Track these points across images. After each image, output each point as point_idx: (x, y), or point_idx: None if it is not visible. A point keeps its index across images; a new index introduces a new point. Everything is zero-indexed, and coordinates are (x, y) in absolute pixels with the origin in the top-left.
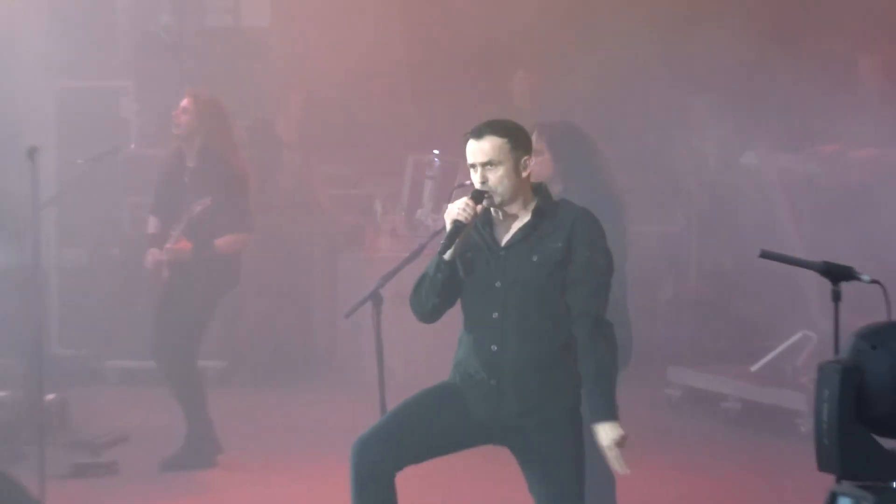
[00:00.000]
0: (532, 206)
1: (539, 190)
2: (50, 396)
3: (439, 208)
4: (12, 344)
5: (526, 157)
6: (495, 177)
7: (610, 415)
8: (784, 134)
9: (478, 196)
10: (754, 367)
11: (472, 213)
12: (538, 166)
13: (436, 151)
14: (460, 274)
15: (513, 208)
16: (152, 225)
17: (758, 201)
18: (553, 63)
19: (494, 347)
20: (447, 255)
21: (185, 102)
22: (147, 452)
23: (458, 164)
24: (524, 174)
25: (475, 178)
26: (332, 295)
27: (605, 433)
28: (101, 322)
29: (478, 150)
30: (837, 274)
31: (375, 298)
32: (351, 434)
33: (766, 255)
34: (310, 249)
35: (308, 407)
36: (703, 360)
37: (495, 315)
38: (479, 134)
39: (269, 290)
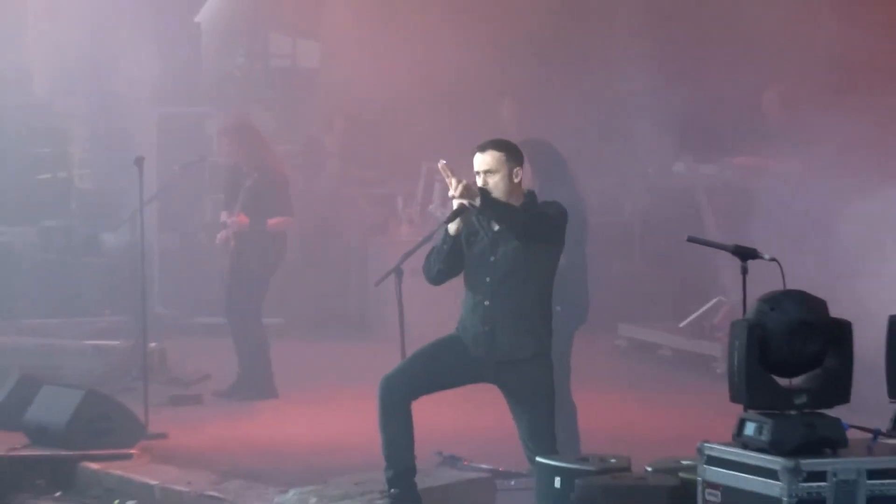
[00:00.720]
0: (521, 203)
1: (529, 194)
2: (152, 345)
3: (445, 204)
4: (125, 305)
5: (517, 168)
6: (493, 181)
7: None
8: (706, 149)
9: (480, 190)
10: (682, 324)
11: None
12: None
13: (443, 160)
14: (464, 250)
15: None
16: (223, 216)
17: (685, 200)
18: (533, 93)
19: (487, 303)
20: (451, 230)
21: (221, 132)
22: (223, 387)
23: (460, 169)
24: (516, 180)
25: (479, 181)
26: (364, 269)
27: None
28: (190, 288)
29: (481, 160)
30: (745, 254)
31: (397, 272)
32: (377, 374)
33: (692, 239)
34: (347, 234)
35: (345, 354)
36: (644, 319)
37: (488, 279)
38: (483, 148)
39: (317, 265)
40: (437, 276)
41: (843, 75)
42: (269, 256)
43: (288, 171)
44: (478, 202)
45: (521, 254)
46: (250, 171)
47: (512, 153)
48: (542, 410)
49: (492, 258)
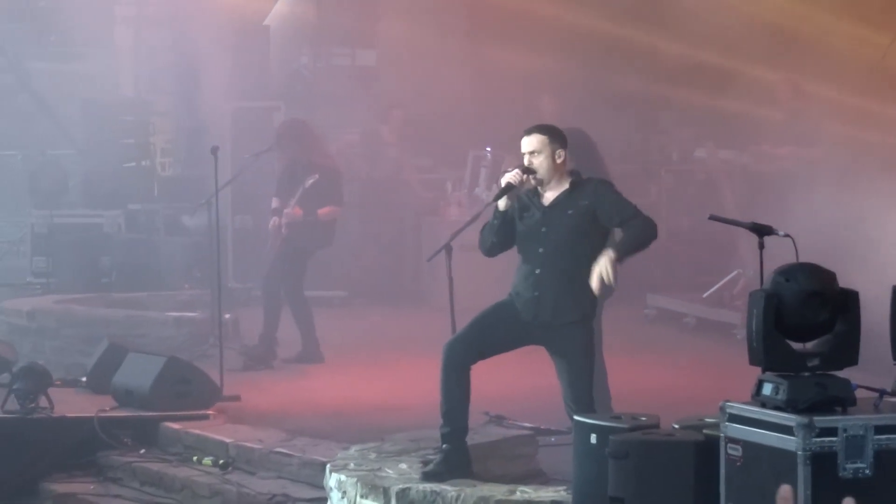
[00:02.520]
0: (567, 181)
1: (573, 173)
2: (227, 315)
3: (490, 187)
4: (202, 280)
5: (560, 150)
6: (537, 161)
7: (614, 249)
8: (726, 136)
9: (526, 169)
10: (705, 294)
11: (518, 178)
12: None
13: (488, 148)
14: (516, 224)
15: (552, 184)
16: (274, 202)
17: (707, 182)
18: (569, 89)
19: (538, 271)
20: (501, 206)
21: (279, 131)
22: (288, 353)
23: (503, 157)
24: (558, 161)
25: (525, 161)
26: (418, 246)
27: (603, 254)
28: (261, 264)
29: (527, 142)
30: (762, 230)
31: (447, 248)
32: (430, 341)
33: (713, 217)
34: (403, 215)
35: (401, 323)
36: (670, 289)
37: (540, 250)
38: (529, 132)
39: (376, 242)
40: (491, 248)
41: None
42: (315, 242)
43: (341, 163)
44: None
45: (571, 226)
46: (310, 170)
47: (554, 136)
48: (581, 372)
49: (543, 229)
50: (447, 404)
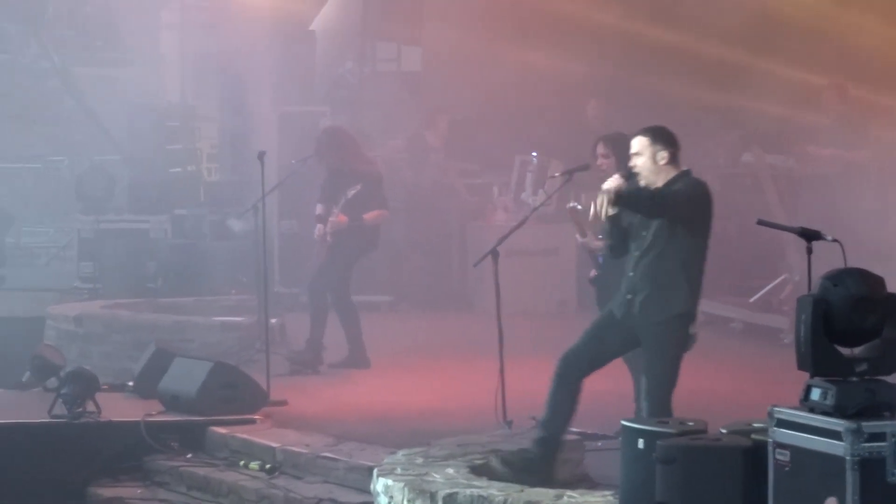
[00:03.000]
0: (667, 180)
1: (683, 173)
2: (273, 320)
3: (536, 192)
4: (248, 284)
5: (662, 151)
6: (640, 162)
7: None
8: (772, 140)
9: (627, 175)
10: (752, 299)
11: (615, 184)
12: (607, 165)
13: (534, 153)
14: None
15: (656, 184)
16: (319, 209)
17: (753, 186)
18: (615, 94)
19: (631, 273)
20: (609, 211)
21: (318, 136)
22: (335, 357)
23: (549, 161)
24: (661, 162)
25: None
26: (464, 251)
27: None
28: (306, 269)
29: (632, 144)
30: (810, 235)
31: (494, 254)
32: (475, 345)
33: (762, 222)
34: (449, 220)
35: (447, 327)
36: (717, 294)
37: (637, 253)
38: (635, 135)
39: (422, 247)
40: (611, 250)
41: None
42: (361, 246)
43: (383, 167)
44: (614, 209)
45: (661, 230)
46: (352, 179)
47: (656, 137)
48: (656, 374)
49: (643, 233)
50: (551, 412)
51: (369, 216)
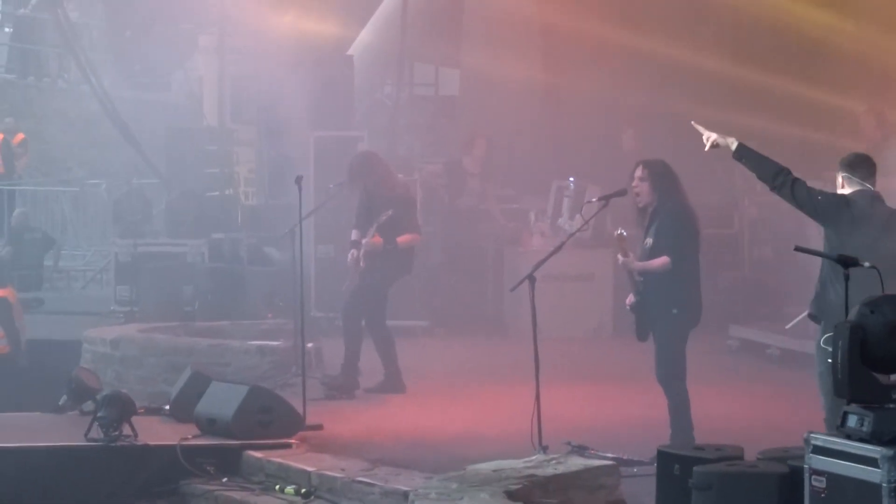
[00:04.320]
0: None
1: None
2: (309, 345)
3: (573, 217)
4: (285, 308)
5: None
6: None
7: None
8: (808, 165)
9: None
10: (788, 326)
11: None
12: (642, 189)
13: (571, 179)
14: None
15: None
16: (353, 234)
17: (790, 211)
18: (649, 120)
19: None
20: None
21: (349, 162)
22: (371, 382)
23: (586, 186)
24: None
25: None
26: (500, 276)
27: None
28: (342, 293)
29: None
30: (847, 262)
31: (531, 279)
32: (511, 370)
33: (798, 248)
34: (485, 244)
35: (482, 352)
36: (753, 321)
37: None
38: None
39: (458, 272)
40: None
41: None
42: (394, 270)
43: (416, 191)
44: None
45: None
46: (384, 204)
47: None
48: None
49: None
50: None
51: (402, 240)
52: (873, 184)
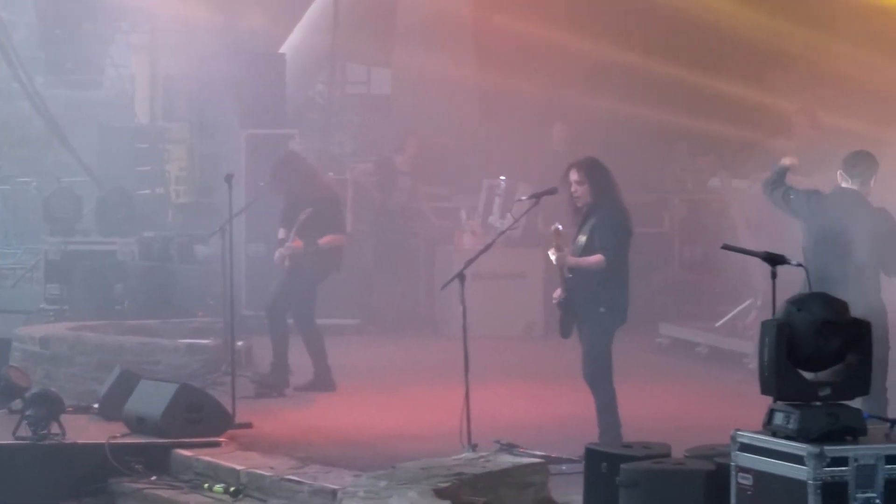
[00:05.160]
0: None
1: None
2: (239, 343)
3: (504, 215)
4: (215, 307)
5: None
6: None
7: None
8: (739, 166)
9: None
10: (718, 324)
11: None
12: (581, 191)
13: (502, 177)
14: None
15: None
16: (281, 233)
17: (720, 211)
18: (582, 118)
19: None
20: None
21: (271, 164)
22: (301, 380)
23: (517, 185)
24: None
25: None
26: (432, 274)
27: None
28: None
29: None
30: (775, 260)
31: (461, 277)
32: (442, 368)
33: (726, 247)
34: (417, 243)
35: (413, 350)
36: (683, 319)
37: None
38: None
39: (390, 270)
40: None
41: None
42: (320, 270)
43: (340, 191)
44: None
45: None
46: (304, 202)
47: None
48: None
49: None
50: None
51: (325, 241)
52: (867, 180)
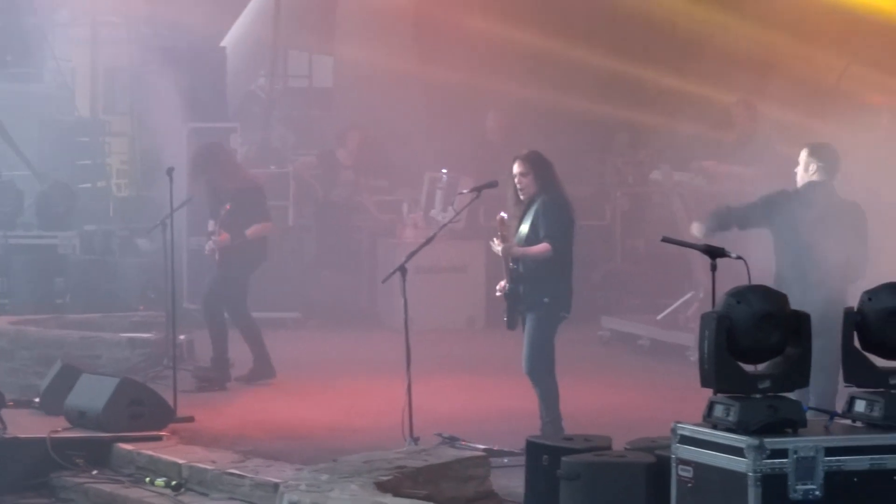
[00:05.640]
0: None
1: None
2: (181, 337)
3: (446, 209)
4: (157, 300)
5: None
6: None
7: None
8: (679, 158)
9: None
10: (659, 317)
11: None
12: (525, 182)
13: (444, 170)
14: None
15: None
16: (210, 225)
17: (661, 204)
18: (522, 110)
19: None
20: None
21: (191, 156)
22: (243, 373)
23: (459, 178)
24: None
25: None
26: (373, 267)
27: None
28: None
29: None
30: (715, 253)
31: (402, 270)
32: (384, 362)
33: (666, 239)
34: (359, 236)
35: (355, 344)
36: (624, 312)
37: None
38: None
39: (331, 264)
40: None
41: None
42: (249, 261)
43: (262, 180)
44: None
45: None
46: (226, 194)
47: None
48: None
49: None
50: None
51: (251, 231)
52: (834, 173)
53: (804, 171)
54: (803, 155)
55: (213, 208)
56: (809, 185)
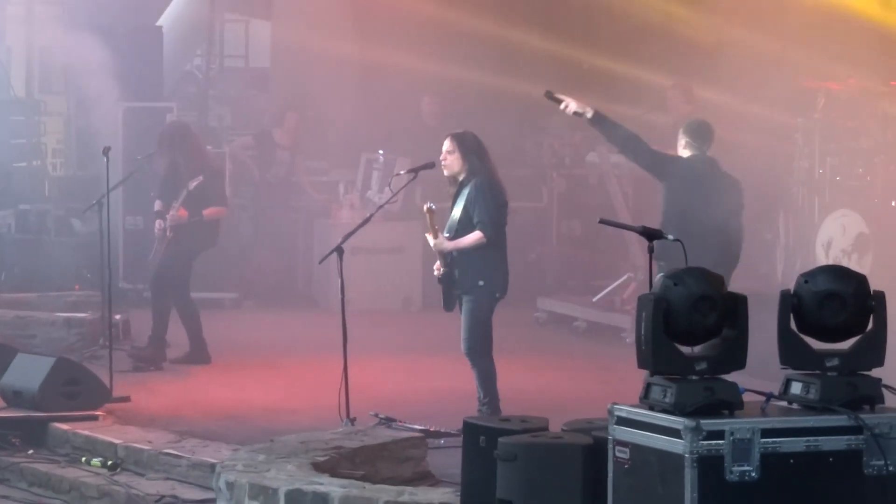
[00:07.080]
0: None
1: None
2: (117, 317)
3: (383, 190)
4: (92, 281)
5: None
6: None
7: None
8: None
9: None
10: (595, 298)
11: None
12: (451, 160)
13: (381, 151)
14: None
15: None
16: (157, 205)
17: (598, 186)
18: (456, 92)
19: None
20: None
21: (160, 132)
22: (179, 354)
23: (396, 159)
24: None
25: None
26: (311, 248)
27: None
28: (149, 266)
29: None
30: (652, 235)
31: (339, 251)
32: (320, 342)
33: (603, 221)
34: (296, 217)
35: (292, 324)
36: (560, 293)
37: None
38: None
39: (268, 244)
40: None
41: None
42: (200, 242)
43: (225, 164)
44: None
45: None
46: (193, 173)
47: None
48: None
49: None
50: None
51: (209, 212)
52: (708, 149)
53: (678, 145)
54: (679, 132)
55: (168, 188)
56: (693, 157)
